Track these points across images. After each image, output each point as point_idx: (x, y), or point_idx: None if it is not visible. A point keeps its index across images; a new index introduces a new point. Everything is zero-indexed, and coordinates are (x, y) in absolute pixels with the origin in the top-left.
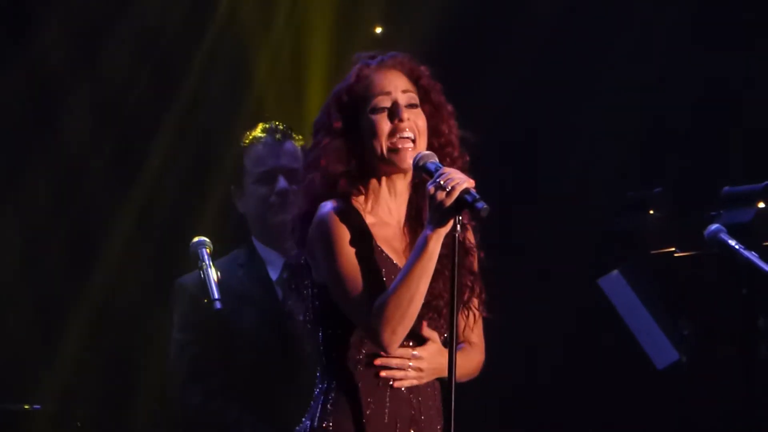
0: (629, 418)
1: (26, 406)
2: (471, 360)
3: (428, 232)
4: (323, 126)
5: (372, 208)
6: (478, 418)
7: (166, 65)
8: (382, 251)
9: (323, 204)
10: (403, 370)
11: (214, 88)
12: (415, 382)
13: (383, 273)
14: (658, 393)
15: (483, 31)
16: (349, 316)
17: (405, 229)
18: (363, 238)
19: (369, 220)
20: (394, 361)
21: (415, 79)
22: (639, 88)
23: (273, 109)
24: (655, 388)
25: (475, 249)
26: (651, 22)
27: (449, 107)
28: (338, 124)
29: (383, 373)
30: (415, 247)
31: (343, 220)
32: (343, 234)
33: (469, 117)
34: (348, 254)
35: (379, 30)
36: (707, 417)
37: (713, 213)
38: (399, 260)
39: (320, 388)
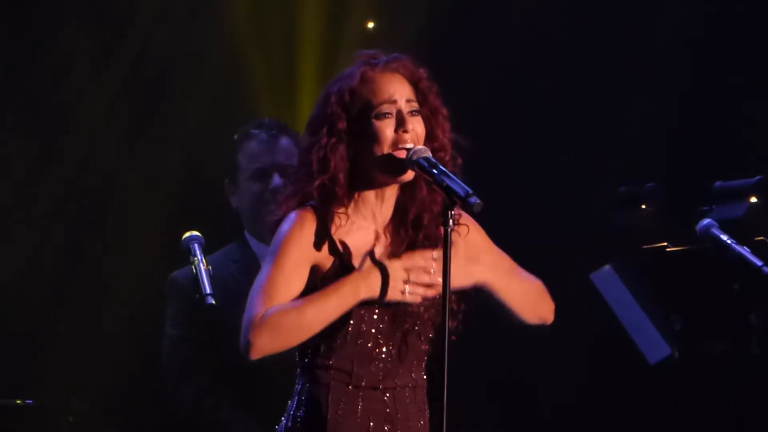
0: (621, 413)
1: (18, 401)
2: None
3: (359, 291)
4: (325, 122)
5: (353, 211)
6: (468, 413)
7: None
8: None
9: (290, 216)
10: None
11: (207, 85)
12: (431, 293)
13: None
14: (649, 388)
15: (474, 25)
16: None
17: (388, 229)
18: (314, 259)
19: (343, 225)
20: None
21: (415, 82)
22: (631, 83)
23: (265, 104)
24: (646, 383)
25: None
26: (644, 20)
27: (444, 111)
28: (342, 125)
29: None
30: (338, 289)
31: (302, 239)
32: (292, 252)
33: (461, 113)
34: (284, 269)
35: (370, 25)
36: (699, 413)
37: (705, 208)
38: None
39: (296, 388)
